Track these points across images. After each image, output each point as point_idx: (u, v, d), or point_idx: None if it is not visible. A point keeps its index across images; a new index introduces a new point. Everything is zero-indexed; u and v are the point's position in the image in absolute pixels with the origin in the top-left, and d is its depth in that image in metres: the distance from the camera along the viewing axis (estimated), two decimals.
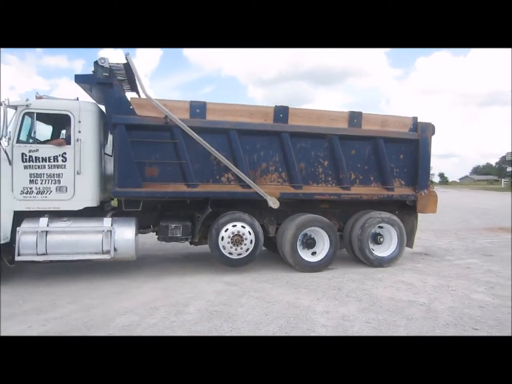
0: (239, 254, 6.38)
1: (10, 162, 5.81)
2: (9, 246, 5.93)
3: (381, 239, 6.92)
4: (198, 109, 6.19)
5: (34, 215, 5.98)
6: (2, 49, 10.22)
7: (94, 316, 4.55)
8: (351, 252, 7.09)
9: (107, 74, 5.86)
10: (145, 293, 5.45)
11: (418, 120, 7.05)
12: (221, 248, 6.31)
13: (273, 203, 6.34)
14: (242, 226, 6.36)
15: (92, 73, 5.98)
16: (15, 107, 5.88)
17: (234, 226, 6.34)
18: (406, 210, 7.25)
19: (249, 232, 6.38)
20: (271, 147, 6.47)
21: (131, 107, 5.96)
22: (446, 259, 7.81)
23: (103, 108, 6.24)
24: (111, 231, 5.95)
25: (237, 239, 6.32)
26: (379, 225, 6.87)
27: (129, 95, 6.56)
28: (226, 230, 6.32)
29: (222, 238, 6.30)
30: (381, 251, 6.96)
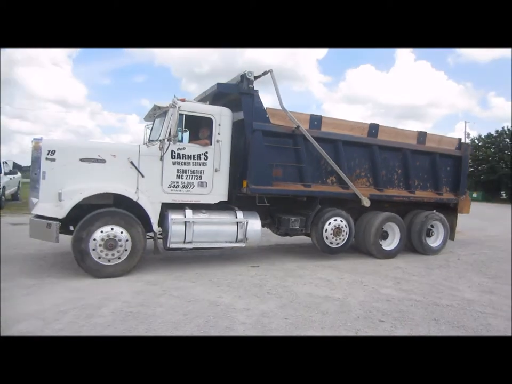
0: (337, 244, 7.70)
1: (161, 158, 6.42)
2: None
3: (432, 233, 8.78)
4: (316, 121, 7.37)
5: (173, 206, 6.65)
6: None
7: None
8: (408, 242, 8.79)
9: (252, 86, 6.76)
10: (54, 295, 5.00)
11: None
12: (325, 238, 7.57)
13: (366, 202, 7.77)
14: (341, 221, 7.69)
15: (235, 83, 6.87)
16: (167, 109, 6.49)
17: (335, 220, 7.64)
18: (445, 211, 9.17)
19: (345, 225, 7.73)
20: (364, 156, 7.90)
21: (267, 116, 6.93)
22: (363, 257, 8.25)
23: None
24: (245, 222, 6.88)
25: (337, 231, 7.63)
26: (432, 222, 8.71)
27: None
28: (329, 224, 7.58)
29: (326, 230, 7.56)
30: (431, 242, 8.82)
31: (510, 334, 4.28)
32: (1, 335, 3.69)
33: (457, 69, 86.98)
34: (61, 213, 5.73)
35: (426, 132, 8.51)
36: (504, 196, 49.82)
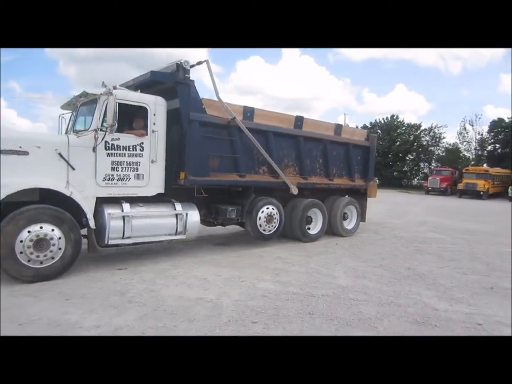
0: (270, 231, 8.02)
1: (94, 150, 5.94)
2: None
3: (347, 216, 9.67)
4: (248, 113, 7.51)
5: (106, 201, 6.23)
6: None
7: None
8: (328, 226, 9.52)
9: (188, 75, 6.61)
10: None
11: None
12: (259, 226, 7.83)
13: (294, 190, 8.22)
14: (273, 208, 8.02)
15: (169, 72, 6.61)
16: (98, 96, 6.00)
17: (267, 208, 7.94)
18: (356, 196, 10.12)
19: (276, 213, 8.08)
20: (290, 147, 8.31)
21: (203, 106, 6.85)
22: (244, 248, 8.01)
23: None
24: (185, 214, 6.76)
25: (269, 219, 7.95)
26: (347, 206, 9.59)
27: None
28: (262, 212, 7.86)
29: (260, 218, 7.82)
30: (346, 224, 9.70)
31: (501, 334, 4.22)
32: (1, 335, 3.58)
33: (337, 65, 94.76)
34: None
35: (342, 125, 9.34)
36: (377, 181, 56.40)
